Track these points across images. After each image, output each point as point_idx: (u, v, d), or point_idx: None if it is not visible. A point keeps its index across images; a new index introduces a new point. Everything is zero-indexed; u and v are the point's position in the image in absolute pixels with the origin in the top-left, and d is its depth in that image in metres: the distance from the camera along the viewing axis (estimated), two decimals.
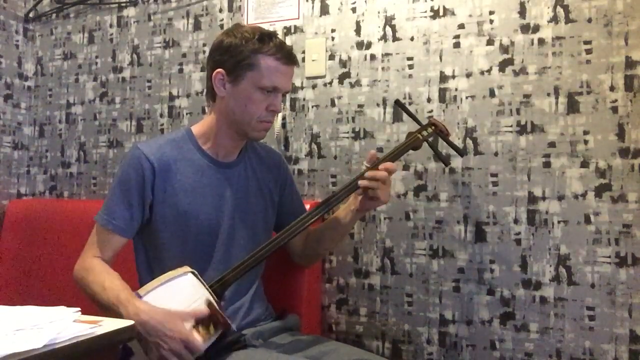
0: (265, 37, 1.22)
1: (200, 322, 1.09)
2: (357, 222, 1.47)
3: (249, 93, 1.22)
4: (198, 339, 1.06)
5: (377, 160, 1.26)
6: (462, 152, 1.44)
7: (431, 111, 1.54)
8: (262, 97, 1.22)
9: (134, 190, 1.23)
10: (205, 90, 1.35)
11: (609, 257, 1.35)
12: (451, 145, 1.40)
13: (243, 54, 1.20)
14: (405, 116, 1.57)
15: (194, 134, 1.31)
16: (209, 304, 1.10)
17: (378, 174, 1.23)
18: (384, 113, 1.60)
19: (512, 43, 1.46)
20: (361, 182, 1.23)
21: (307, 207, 1.53)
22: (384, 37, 1.61)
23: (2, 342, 0.73)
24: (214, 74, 1.23)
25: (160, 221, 1.25)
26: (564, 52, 1.41)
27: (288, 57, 1.24)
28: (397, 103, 1.40)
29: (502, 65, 1.47)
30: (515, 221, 1.44)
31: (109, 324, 0.87)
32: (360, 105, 1.63)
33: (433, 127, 1.37)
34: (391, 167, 1.24)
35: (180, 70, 1.89)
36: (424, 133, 1.35)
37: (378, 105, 1.61)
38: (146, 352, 1.08)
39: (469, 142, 1.50)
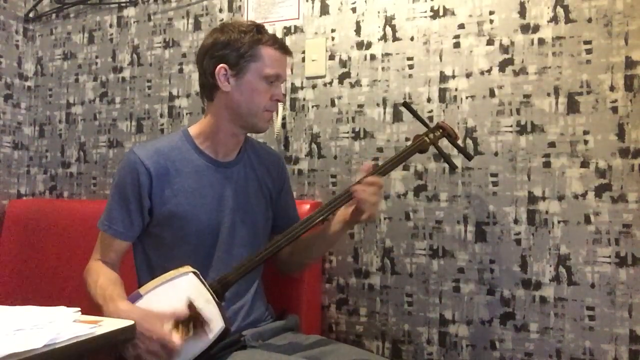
0: (261, 29, 1.26)
1: (181, 322, 1.08)
2: (346, 233, 1.42)
3: (254, 84, 1.24)
4: (176, 339, 1.05)
5: (376, 168, 1.27)
6: (469, 156, 1.41)
7: (431, 111, 1.54)
8: (266, 87, 1.25)
9: (130, 196, 1.24)
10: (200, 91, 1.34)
11: (609, 257, 1.35)
12: (459, 148, 1.38)
13: (244, 46, 1.23)
14: (405, 116, 1.57)
15: (191, 135, 1.31)
16: (189, 305, 1.09)
17: (367, 189, 1.21)
18: (384, 113, 1.60)
19: (512, 43, 1.46)
20: (353, 188, 1.22)
21: (307, 207, 1.53)
22: (384, 37, 1.61)
23: (2, 342, 0.73)
24: (217, 69, 1.23)
25: (161, 223, 1.25)
26: (564, 52, 1.41)
27: (284, 47, 1.29)
28: (405, 105, 1.38)
29: (502, 65, 1.47)
30: (515, 221, 1.44)
31: (109, 324, 0.87)
32: (360, 105, 1.63)
33: (441, 130, 1.36)
34: (379, 182, 1.23)
35: (180, 70, 1.89)
36: (431, 136, 1.34)
37: (378, 105, 1.61)
38: (123, 352, 1.06)
39: (469, 142, 1.50)
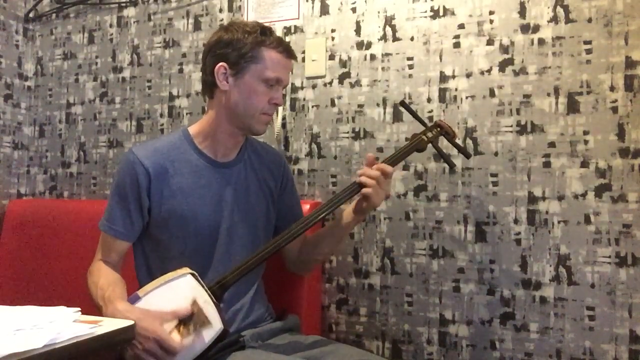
0: (266, 31, 1.25)
1: (182, 321, 1.08)
2: (355, 225, 1.43)
3: (253, 85, 1.23)
4: (175, 338, 1.05)
5: (376, 162, 1.26)
6: (467, 154, 1.41)
7: (431, 111, 1.54)
8: (265, 89, 1.24)
9: (130, 196, 1.24)
10: (201, 89, 1.34)
11: (609, 257, 1.35)
12: (457, 147, 1.38)
13: (246, 47, 1.22)
14: (405, 116, 1.57)
15: (190, 134, 1.30)
16: (193, 303, 1.09)
17: (370, 171, 1.22)
18: (384, 113, 1.60)
19: (512, 43, 1.46)
20: (359, 179, 1.22)
21: (307, 207, 1.53)
22: (384, 37, 1.61)
23: (2, 342, 0.73)
24: (216, 67, 1.23)
25: (159, 224, 1.25)
26: (564, 52, 1.41)
27: (288, 50, 1.26)
28: (402, 104, 1.38)
29: (502, 65, 1.47)
30: (515, 221, 1.44)
31: (109, 324, 0.87)
32: (360, 105, 1.63)
33: (438, 129, 1.36)
34: (386, 170, 1.22)
35: (180, 70, 1.89)
36: (429, 135, 1.34)
37: (378, 105, 1.61)
38: (122, 353, 1.06)
39: (469, 142, 1.50)
